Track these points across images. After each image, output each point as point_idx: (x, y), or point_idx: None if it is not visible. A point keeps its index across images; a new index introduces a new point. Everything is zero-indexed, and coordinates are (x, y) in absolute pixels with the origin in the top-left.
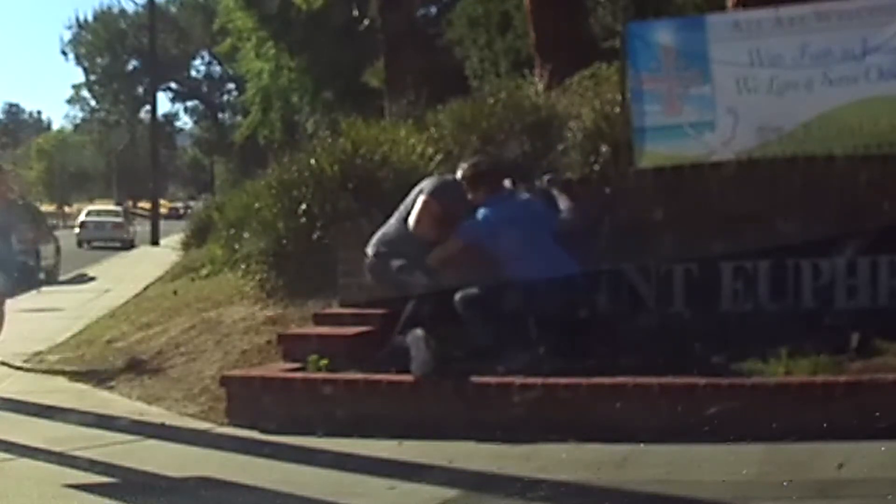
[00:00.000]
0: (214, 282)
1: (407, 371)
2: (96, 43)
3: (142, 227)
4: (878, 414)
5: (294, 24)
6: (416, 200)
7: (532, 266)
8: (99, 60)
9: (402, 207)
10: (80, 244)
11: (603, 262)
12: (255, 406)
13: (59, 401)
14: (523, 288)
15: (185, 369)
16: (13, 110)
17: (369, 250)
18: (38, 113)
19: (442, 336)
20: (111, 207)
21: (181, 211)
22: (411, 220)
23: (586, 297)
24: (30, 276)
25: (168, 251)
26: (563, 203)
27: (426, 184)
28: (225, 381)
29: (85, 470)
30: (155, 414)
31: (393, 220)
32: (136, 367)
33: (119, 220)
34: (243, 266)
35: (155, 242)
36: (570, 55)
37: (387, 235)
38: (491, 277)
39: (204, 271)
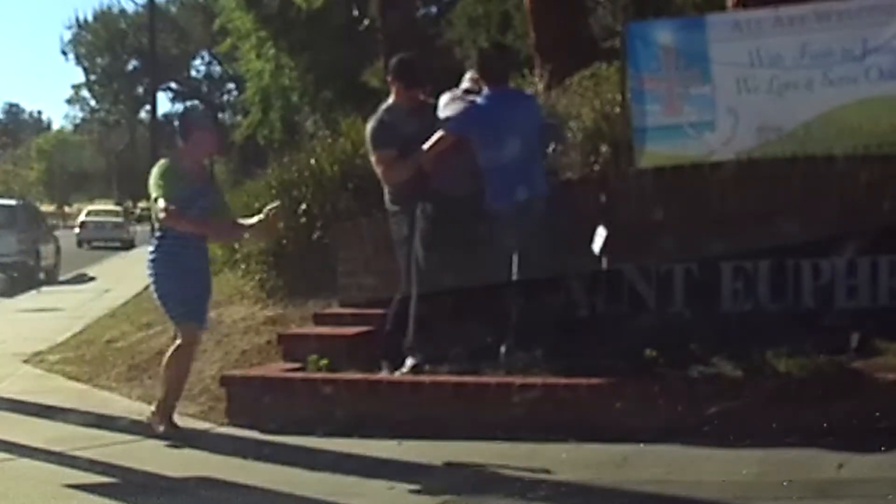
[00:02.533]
0: (214, 282)
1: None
2: (96, 43)
3: (142, 227)
4: (878, 414)
5: (294, 24)
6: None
7: (505, 173)
8: (99, 60)
9: None
10: (80, 244)
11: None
12: (255, 406)
13: (59, 401)
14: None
15: None
16: (13, 110)
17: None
18: (38, 113)
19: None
20: (111, 207)
21: None
22: (380, 178)
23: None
24: (30, 276)
25: None
26: None
27: (367, 134)
28: (225, 381)
29: (85, 470)
30: None
31: None
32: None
33: (119, 220)
34: (243, 266)
35: None
36: (570, 55)
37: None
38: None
39: None
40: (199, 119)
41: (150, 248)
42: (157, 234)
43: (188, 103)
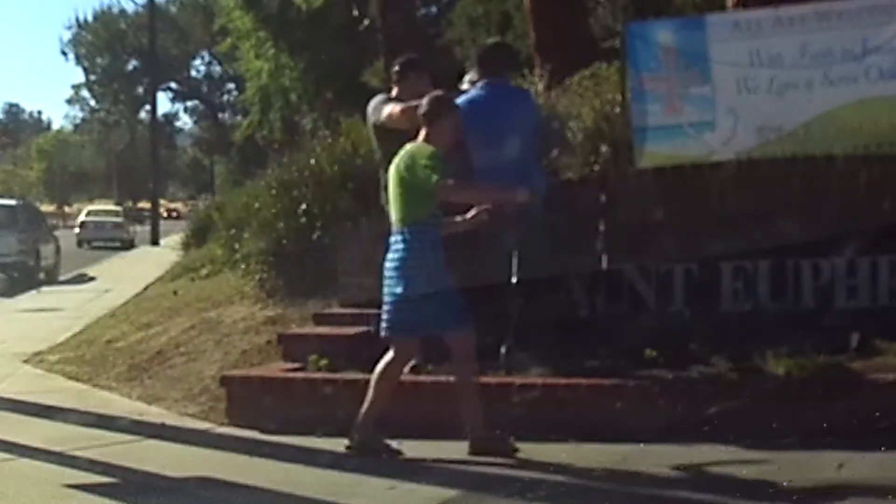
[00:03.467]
0: (214, 282)
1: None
2: (96, 43)
3: (141, 227)
4: (878, 414)
5: (294, 24)
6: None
7: (501, 172)
8: (99, 60)
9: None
10: (80, 244)
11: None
12: (255, 406)
13: (59, 401)
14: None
15: (185, 369)
16: (13, 110)
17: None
18: (38, 113)
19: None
20: (111, 207)
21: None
22: (383, 115)
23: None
24: (30, 276)
25: (168, 251)
26: None
27: (374, 99)
28: (225, 381)
29: (85, 470)
30: (155, 414)
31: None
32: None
33: (119, 220)
34: (243, 266)
35: (155, 242)
36: (570, 55)
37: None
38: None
39: (204, 271)
40: (445, 107)
41: (398, 246)
42: (406, 229)
43: (188, 103)
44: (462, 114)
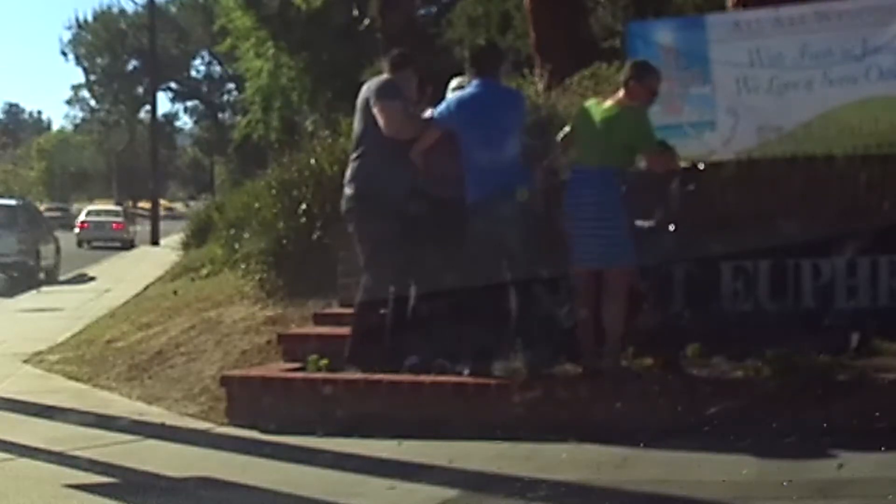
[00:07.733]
0: (214, 282)
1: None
2: (96, 43)
3: (142, 227)
4: (878, 414)
5: (294, 24)
6: (373, 111)
7: (485, 164)
8: (99, 60)
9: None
10: (80, 244)
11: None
12: (255, 406)
13: (59, 401)
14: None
15: (185, 369)
16: (13, 110)
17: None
18: (38, 113)
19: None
20: (111, 207)
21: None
22: (384, 127)
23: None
24: (30, 276)
25: (168, 251)
26: None
27: (373, 86)
28: (225, 381)
29: (85, 470)
30: (155, 414)
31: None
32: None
33: (119, 219)
34: (243, 266)
35: (155, 242)
36: (570, 55)
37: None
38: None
39: (204, 271)
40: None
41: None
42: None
43: (188, 103)
44: (455, 108)
